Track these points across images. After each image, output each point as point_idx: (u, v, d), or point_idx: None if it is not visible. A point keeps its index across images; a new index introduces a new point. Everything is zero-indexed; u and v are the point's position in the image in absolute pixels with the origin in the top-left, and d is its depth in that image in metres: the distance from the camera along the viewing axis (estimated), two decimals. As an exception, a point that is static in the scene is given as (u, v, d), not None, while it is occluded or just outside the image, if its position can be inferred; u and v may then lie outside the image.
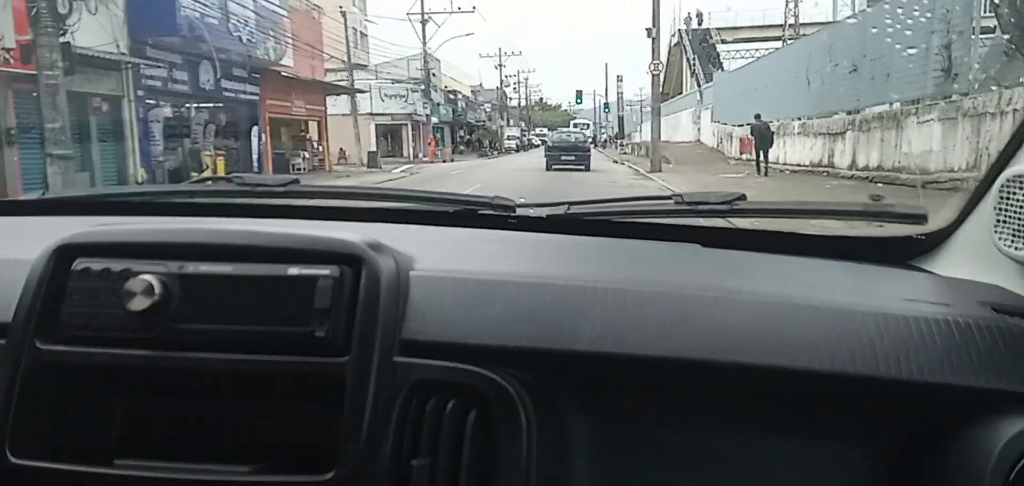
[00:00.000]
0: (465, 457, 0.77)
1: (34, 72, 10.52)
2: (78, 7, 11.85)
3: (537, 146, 49.55)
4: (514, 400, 0.79)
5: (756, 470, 0.86)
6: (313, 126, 25.99)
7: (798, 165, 18.21)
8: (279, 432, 0.83)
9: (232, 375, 0.81)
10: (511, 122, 68.38)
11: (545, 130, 59.93)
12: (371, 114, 33.32)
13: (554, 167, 22.78)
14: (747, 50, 39.25)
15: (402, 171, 24.78)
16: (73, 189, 8.92)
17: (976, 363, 0.79)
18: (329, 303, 0.79)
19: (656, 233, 1.19)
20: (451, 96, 45.39)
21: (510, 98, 68.88)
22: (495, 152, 50.70)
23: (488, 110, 57.73)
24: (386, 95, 35.52)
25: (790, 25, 35.12)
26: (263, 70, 20.22)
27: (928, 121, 12.12)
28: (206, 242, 0.85)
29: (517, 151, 54.45)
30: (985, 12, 11.38)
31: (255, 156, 20.18)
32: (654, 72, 22.40)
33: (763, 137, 17.68)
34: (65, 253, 0.84)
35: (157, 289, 0.79)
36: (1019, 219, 0.89)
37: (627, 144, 46.24)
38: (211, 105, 19.05)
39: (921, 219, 1.06)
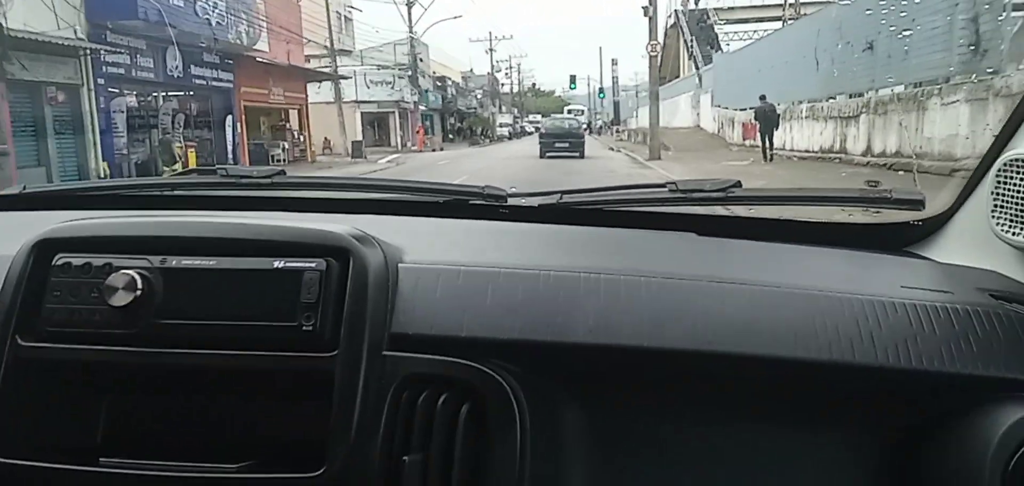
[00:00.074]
0: (457, 452, 0.77)
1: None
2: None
3: (530, 133, 49.59)
4: (507, 394, 0.78)
5: (756, 467, 0.85)
6: (293, 115, 25.19)
7: (806, 151, 17.30)
8: (267, 428, 0.83)
9: (218, 371, 0.81)
10: (503, 109, 67.41)
11: (538, 117, 59.80)
12: (356, 102, 32.33)
13: (548, 154, 22.45)
14: (746, 32, 38.32)
15: (388, 161, 24.13)
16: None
17: (975, 350, 0.79)
18: (316, 297, 0.79)
19: (651, 222, 1.17)
20: (440, 82, 44.29)
21: (502, 84, 67.81)
22: (487, 140, 50.03)
23: (479, 96, 56.64)
24: (372, 82, 34.45)
25: (790, 4, 34.08)
26: (237, 56, 19.32)
27: (954, 102, 11.13)
28: (189, 235, 0.84)
29: (510, 139, 53.94)
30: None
31: (230, 147, 19.29)
32: (652, 53, 21.66)
33: (768, 120, 16.93)
34: (45, 248, 0.83)
35: (139, 284, 0.79)
36: (1016, 204, 0.88)
37: (623, 130, 45.59)
38: (180, 93, 18.15)
39: (918, 205, 1.05)
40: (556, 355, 0.81)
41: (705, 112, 31.13)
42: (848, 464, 0.84)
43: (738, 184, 1.11)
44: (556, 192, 1.21)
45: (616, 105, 57.80)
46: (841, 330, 0.79)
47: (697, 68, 35.16)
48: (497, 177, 14.70)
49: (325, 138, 28.63)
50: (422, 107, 38.25)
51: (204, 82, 18.46)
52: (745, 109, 21.36)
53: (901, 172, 11.77)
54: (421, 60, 36.66)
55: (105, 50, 14.54)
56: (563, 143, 22.89)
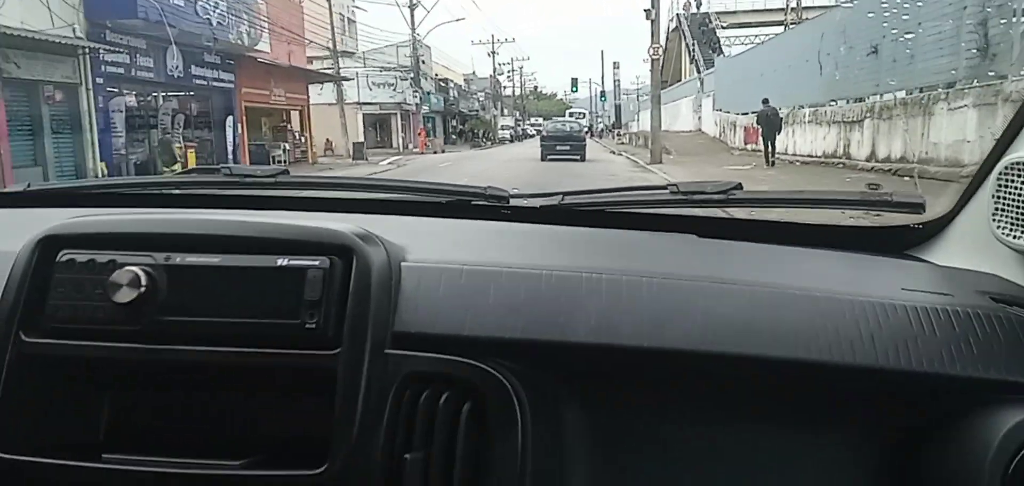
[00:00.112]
0: (459, 450, 0.77)
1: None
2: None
3: (532, 136, 49.37)
4: (509, 393, 0.79)
5: (757, 467, 0.85)
6: (295, 116, 25.07)
7: (809, 156, 17.17)
8: (270, 425, 0.84)
9: (221, 368, 0.81)
10: (505, 112, 67.31)
11: (540, 119, 59.48)
12: (358, 103, 32.28)
13: (549, 157, 22.51)
14: (747, 36, 38.15)
15: (389, 163, 24.07)
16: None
17: (975, 353, 0.79)
18: (319, 294, 0.79)
19: (651, 223, 1.17)
20: (442, 84, 44.23)
21: (504, 87, 67.69)
22: (489, 142, 49.95)
23: (481, 99, 56.57)
24: (374, 83, 34.40)
25: (792, 9, 33.95)
26: (238, 56, 19.22)
27: (961, 107, 11.00)
28: (193, 233, 0.84)
29: (511, 141, 53.74)
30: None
31: (230, 147, 19.16)
32: (654, 56, 21.56)
33: (770, 124, 16.79)
34: (49, 244, 0.83)
35: (143, 281, 0.79)
36: (1017, 207, 0.88)
37: (624, 134, 45.58)
38: (180, 93, 18.02)
39: (919, 208, 1.05)
40: (557, 354, 0.81)
41: (707, 116, 31.01)
42: (848, 465, 0.84)
43: (739, 187, 1.11)
44: (558, 193, 1.21)
45: (618, 108, 57.85)
46: (841, 331, 0.80)
47: (699, 72, 35.09)
48: (499, 179, 14.34)
49: (327, 139, 28.51)
50: (424, 109, 38.07)
51: (204, 82, 18.31)
52: (747, 113, 21.22)
53: (907, 177, 11.64)
54: (423, 62, 36.54)
55: (104, 49, 14.42)
56: (565, 146, 22.86)
